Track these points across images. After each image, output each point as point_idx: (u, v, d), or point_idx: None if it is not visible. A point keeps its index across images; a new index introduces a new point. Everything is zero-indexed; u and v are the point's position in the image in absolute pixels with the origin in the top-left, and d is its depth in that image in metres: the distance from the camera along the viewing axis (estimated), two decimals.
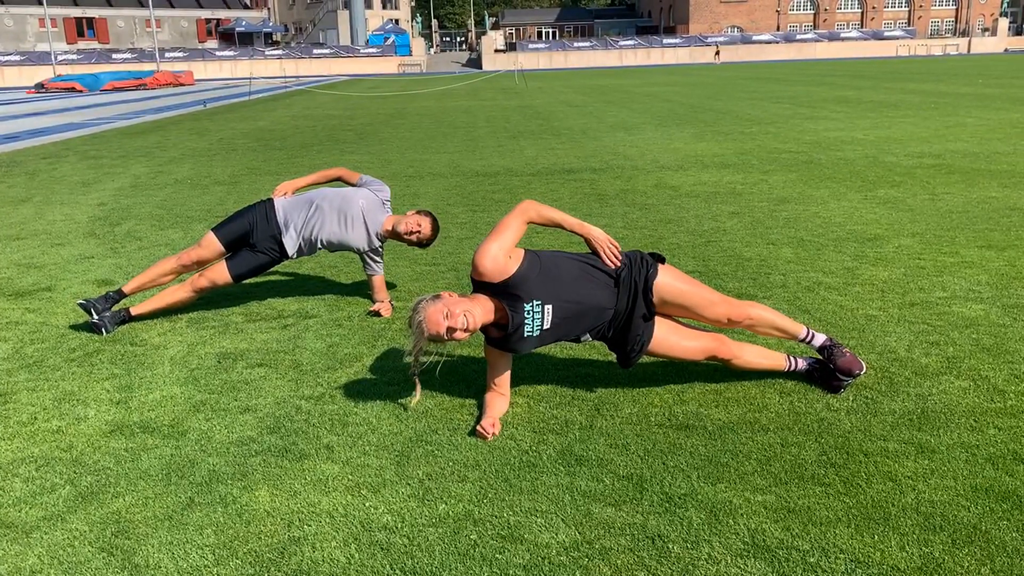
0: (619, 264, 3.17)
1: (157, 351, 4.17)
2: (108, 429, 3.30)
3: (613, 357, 3.89)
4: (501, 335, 3.13)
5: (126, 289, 4.61)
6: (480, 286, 3.06)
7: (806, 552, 2.37)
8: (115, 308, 4.57)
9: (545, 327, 3.08)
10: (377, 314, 4.64)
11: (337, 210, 4.56)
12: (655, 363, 3.78)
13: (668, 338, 3.29)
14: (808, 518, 2.53)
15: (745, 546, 2.41)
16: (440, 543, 2.48)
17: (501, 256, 2.98)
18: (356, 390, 3.61)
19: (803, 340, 3.47)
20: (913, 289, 4.77)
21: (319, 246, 4.66)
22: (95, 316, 4.41)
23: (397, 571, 2.36)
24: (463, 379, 3.67)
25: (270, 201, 4.65)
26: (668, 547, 2.42)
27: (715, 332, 3.46)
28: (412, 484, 2.81)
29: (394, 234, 4.61)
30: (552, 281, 3.06)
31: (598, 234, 3.19)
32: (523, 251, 3.11)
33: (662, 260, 3.30)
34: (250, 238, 4.57)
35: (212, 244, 4.60)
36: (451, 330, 2.94)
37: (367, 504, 2.70)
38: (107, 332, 4.40)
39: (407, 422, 3.27)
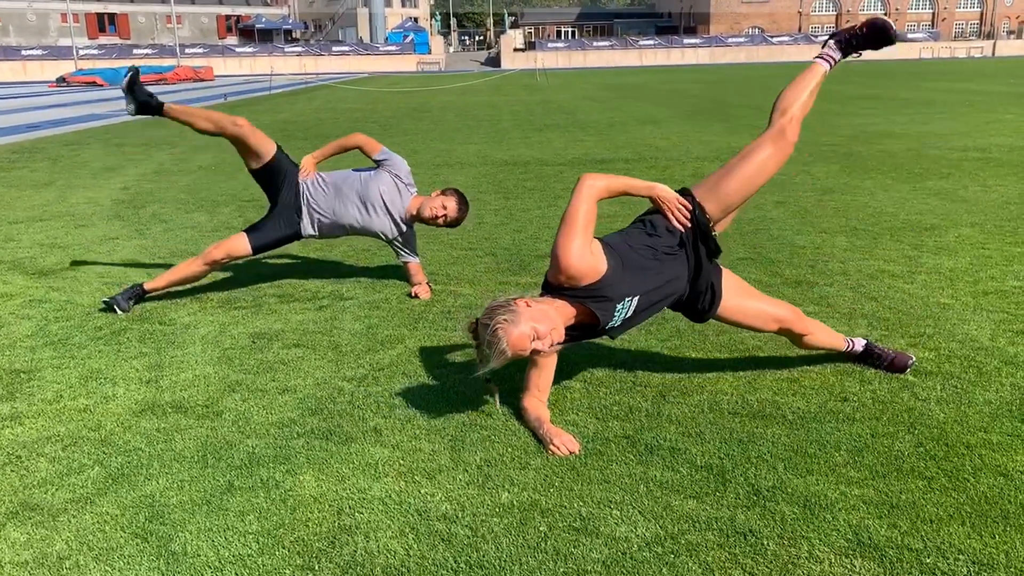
0: (689, 226, 2.83)
1: (187, 330, 3.95)
2: (138, 408, 3.08)
3: (666, 345, 3.65)
4: (572, 335, 2.72)
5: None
6: (559, 289, 2.64)
7: (920, 552, 2.11)
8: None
9: (628, 315, 2.74)
10: (416, 297, 4.42)
11: (358, 196, 4.39)
12: (719, 349, 3.53)
13: (736, 299, 2.99)
14: (915, 514, 2.27)
15: (848, 544, 2.16)
16: (507, 534, 2.24)
17: (588, 254, 2.59)
18: (401, 372, 3.37)
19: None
20: (984, 278, 4.49)
21: (342, 231, 4.49)
22: (113, 303, 4.20)
23: (462, 564, 2.12)
24: (516, 362, 3.41)
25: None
26: (763, 544, 2.17)
27: (790, 305, 3.21)
28: (470, 470, 2.57)
29: (420, 218, 4.41)
30: (636, 272, 2.71)
31: (666, 194, 2.83)
32: (598, 242, 2.69)
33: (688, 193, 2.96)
34: (278, 181, 4.39)
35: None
36: (536, 351, 2.58)
37: (422, 491, 2.46)
38: (123, 310, 4.18)
39: (458, 406, 3.03)
